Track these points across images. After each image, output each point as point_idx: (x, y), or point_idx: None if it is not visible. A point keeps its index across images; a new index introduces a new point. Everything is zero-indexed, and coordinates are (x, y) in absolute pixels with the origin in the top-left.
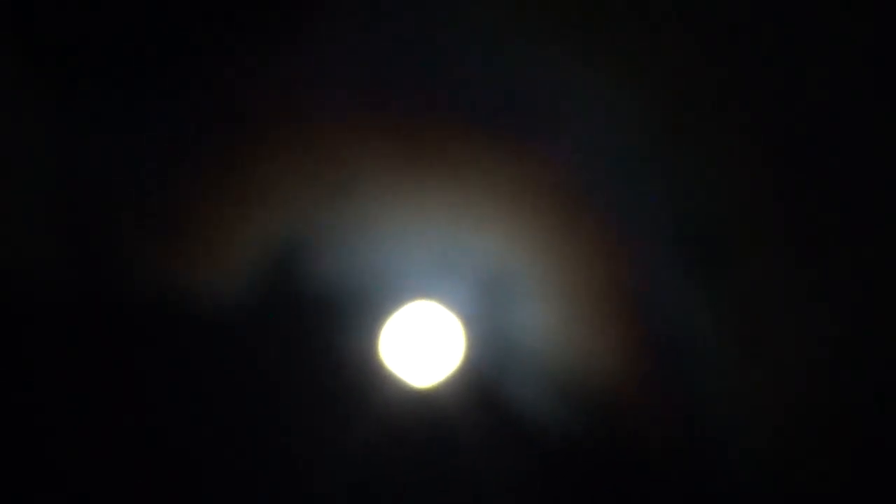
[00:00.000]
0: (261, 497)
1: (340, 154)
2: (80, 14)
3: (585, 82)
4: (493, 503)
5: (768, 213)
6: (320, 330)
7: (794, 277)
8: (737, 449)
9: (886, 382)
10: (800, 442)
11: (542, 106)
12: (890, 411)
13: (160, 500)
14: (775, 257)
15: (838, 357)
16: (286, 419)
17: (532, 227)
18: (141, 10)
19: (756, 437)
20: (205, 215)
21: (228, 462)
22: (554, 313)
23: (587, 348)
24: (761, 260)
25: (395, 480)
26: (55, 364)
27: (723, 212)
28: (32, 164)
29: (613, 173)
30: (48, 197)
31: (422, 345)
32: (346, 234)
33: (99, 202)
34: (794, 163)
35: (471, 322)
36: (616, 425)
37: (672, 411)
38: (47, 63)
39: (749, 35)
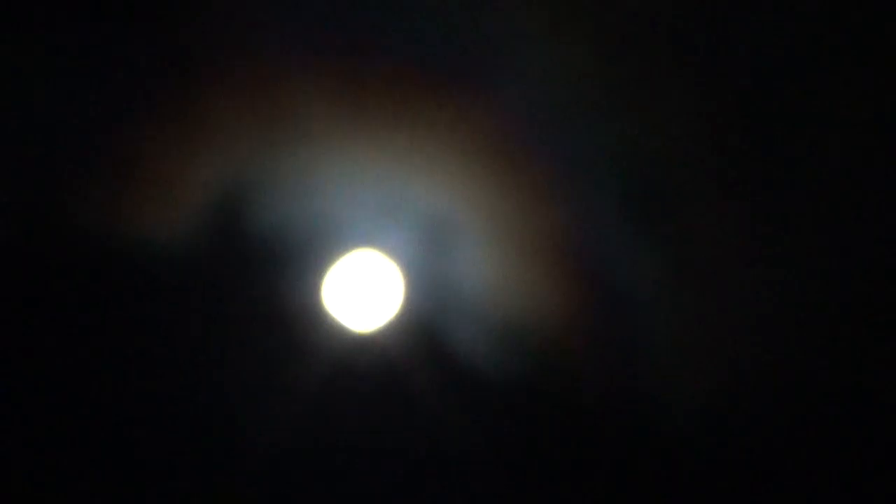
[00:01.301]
0: (206, 441)
1: (286, 103)
2: None
3: (531, 36)
4: (434, 444)
5: (707, 170)
6: (264, 276)
7: (731, 232)
8: (672, 394)
9: (825, 336)
10: (735, 391)
11: (488, 59)
12: (827, 365)
13: (106, 441)
14: (713, 212)
15: (775, 310)
16: (231, 365)
17: (474, 176)
18: None
19: (691, 384)
20: (152, 162)
21: (172, 409)
22: (494, 260)
23: (526, 294)
24: (701, 214)
25: (338, 424)
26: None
27: (662, 167)
28: None
29: (555, 126)
30: (8, 141)
31: (363, 292)
32: (290, 184)
33: (47, 148)
34: (732, 123)
35: (411, 269)
36: (553, 368)
37: (608, 356)
38: (23, 22)
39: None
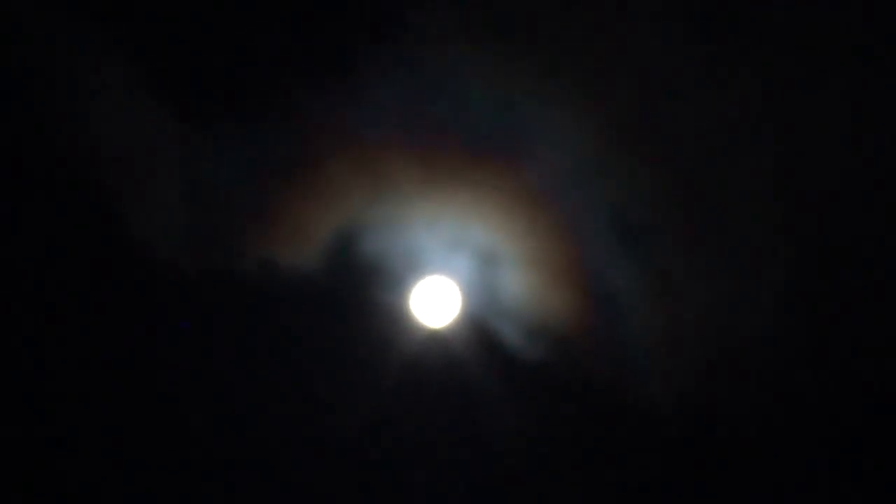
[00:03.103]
0: (329, 396)
1: (380, 170)
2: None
3: (551, 125)
4: (479, 401)
5: (675, 211)
6: (367, 290)
7: (692, 253)
8: (652, 370)
9: (771, 331)
10: (702, 375)
11: (518, 137)
12: (774, 355)
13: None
14: (679, 240)
15: (725, 308)
16: (344, 347)
17: (511, 220)
18: (251, 77)
19: (666, 363)
20: (286, 211)
21: (300, 379)
22: (524, 279)
23: (548, 303)
24: (671, 242)
25: (417, 386)
26: (181, 313)
27: (645, 210)
28: (178, 172)
29: (569, 183)
30: (184, 193)
31: (433, 302)
32: (384, 225)
33: (215, 197)
34: (692, 182)
35: (466, 286)
36: (568, 355)
37: (607, 347)
38: (196, 113)
39: (662, 88)
